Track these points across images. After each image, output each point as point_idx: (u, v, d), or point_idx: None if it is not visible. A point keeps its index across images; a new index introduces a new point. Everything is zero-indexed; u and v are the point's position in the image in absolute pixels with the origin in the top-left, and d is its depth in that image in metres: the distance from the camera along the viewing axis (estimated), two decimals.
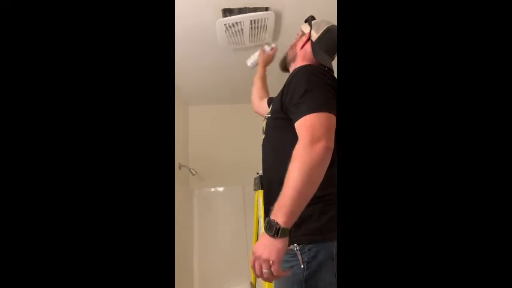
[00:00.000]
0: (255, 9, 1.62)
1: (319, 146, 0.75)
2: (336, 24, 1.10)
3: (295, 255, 0.83)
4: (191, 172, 2.49)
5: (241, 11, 1.62)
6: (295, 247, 0.83)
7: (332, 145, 0.77)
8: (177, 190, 2.18)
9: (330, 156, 0.77)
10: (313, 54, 1.08)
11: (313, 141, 0.76)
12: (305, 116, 0.80)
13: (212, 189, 2.75)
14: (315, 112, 0.79)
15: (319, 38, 1.10)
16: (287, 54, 1.20)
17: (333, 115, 0.80)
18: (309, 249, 0.82)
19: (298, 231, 0.82)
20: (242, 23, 1.66)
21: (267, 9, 1.63)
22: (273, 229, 0.72)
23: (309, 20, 1.17)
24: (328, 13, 1.11)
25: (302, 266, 0.81)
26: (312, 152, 0.75)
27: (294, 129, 0.83)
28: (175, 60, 2.03)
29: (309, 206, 0.78)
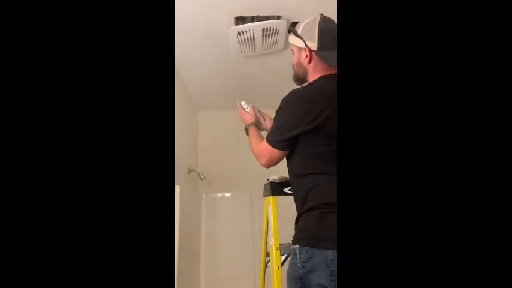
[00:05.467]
0: (267, 18, 1.65)
1: (260, 160, 1.11)
2: (320, 14, 1.07)
3: (295, 254, 0.95)
4: (200, 177, 2.51)
5: (253, 19, 1.66)
6: (296, 247, 0.95)
7: (264, 165, 1.09)
8: (186, 194, 2.20)
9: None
10: (326, 63, 1.06)
11: (259, 155, 1.11)
12: (265, 139, 1.09)
13: (219, 195, 2.77)
14: (267, 142, 1.07)
15: (320, 45, 1.06)
16: (295, 73, 1.17)
17: (277, 151, 1.03)
18: (306, 251, 0.92)
19: (299, 234, 0.97)
20: (254, 30, 1.70)
21: (279, 17, 1.66)
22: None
23: (294, 31, 1.11)
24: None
25: (299, 265, 0.92)
26: (258, 152, 1.12)
27: (298, 153, 1.02)
28: (187, 66, 2.07)
29: (310, 210, 0.94)
